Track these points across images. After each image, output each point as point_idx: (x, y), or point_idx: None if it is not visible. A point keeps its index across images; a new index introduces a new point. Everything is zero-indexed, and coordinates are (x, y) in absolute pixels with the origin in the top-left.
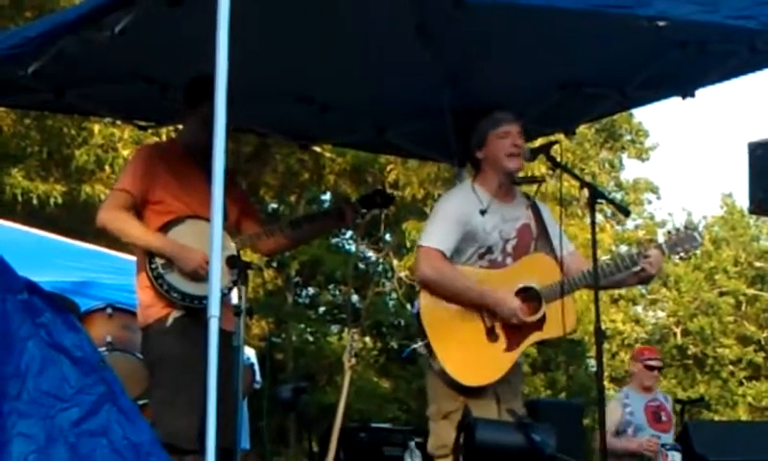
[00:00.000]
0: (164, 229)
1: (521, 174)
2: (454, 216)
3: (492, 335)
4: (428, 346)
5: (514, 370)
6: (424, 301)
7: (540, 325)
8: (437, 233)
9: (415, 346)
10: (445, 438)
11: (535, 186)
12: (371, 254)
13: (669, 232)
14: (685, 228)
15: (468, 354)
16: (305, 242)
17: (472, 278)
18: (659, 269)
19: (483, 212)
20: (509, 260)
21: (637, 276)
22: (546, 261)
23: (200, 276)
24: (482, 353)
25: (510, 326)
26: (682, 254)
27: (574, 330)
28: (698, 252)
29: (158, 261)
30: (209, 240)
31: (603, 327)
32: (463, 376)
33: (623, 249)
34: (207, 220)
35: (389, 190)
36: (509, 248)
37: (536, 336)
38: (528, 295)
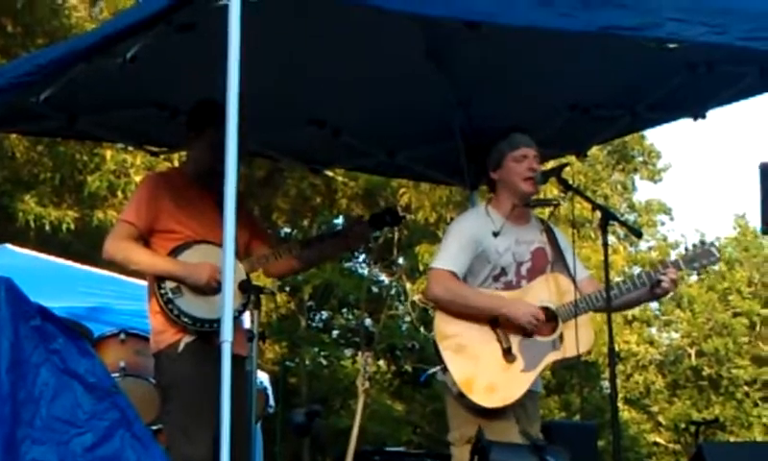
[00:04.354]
0: (172, 254)
1: (536, 197)
2: (466, 237)
3: (509, 356)
4: (445, 370)
5: (530, 393)
6: (439, 325)
7: (557, 344)
8: (448, 255)
9: (432, 371)
10: None
11: (548, 209)
12: (384, 277)
13: (686, 248)
14: (702, 243)
15: (485, 376)
16: (316, 264)
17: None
18: (675, 285)
19: (496, 234)
20: (523, 283)
21: (653, 292)
22: (562, 281)
23: (213, 288)
24: (500, 375)
25: (527, 346)
26: (699, 269)
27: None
28: (712, 272)
29: (168, 286)
30: (219, 263)
31: (617, 348)
32: (482, 398)
33: (636, 270)
34: (215, 244)
35: (401, 214)
36: (523, 270)
37: (553, 356)
38: (545, 315)
